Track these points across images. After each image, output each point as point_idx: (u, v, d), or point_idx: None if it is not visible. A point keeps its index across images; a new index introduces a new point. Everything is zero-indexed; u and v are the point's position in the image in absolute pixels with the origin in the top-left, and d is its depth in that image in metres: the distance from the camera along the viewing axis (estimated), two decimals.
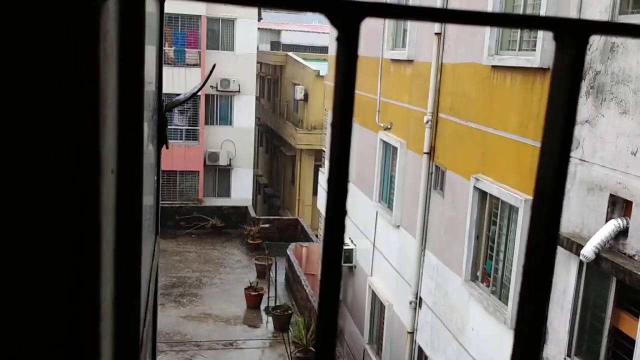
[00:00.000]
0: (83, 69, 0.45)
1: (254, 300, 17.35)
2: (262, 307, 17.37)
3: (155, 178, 1.75)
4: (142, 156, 0.79)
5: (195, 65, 25.05)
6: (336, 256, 0.53)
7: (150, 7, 1.32)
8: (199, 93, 24.82)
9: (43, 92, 0.46)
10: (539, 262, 0.57)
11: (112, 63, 0.55)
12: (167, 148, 1.80)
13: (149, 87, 1.41)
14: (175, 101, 2.31)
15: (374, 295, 13.01)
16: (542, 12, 7.18)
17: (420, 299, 10.72)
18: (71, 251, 0.48)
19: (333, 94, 0.54)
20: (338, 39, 0.53)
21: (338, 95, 0.53)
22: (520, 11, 7.95)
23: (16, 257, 0.47)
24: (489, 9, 8.35)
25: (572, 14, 6.65)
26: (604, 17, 6.23)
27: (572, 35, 0.54)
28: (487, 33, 8.42)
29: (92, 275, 0.52)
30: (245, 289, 17.58)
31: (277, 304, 16.99)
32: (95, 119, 0.47)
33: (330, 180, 0.52)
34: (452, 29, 9.75)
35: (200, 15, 25.01)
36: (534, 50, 7.47)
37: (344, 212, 0.50)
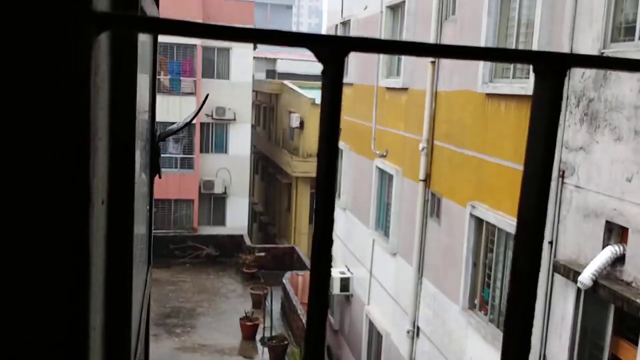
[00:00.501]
0: (74, 102, 0.46)
1: (249, 330, 17.15)
2: (258, 337, 17.16)
3: (148, 207, 1.75)
4: (134, 187, 0.80)
5: (190, 93, 25.20)
6: (324, 286, 0.53)
7: (143, 36, 1.34)
8: (193, 121, 24.93)
9: (33, 124, 0.47)
10: (523, 287, 0.57)
11: (103, 95, 0.56)
12: (159, 177, 1.81)
13: (142, 116, 1.42)
14: (169, 130, 2.33)
15: (371, 324, 12.89)
16: (535, 40, 7.29)
17: (418, 327, 10.63)
18: (59, 281, 0.48)
19: (319, 125, 0.55)
20: (323, 73, 0.54)
21: (323, 126, 0.54)
22: (514, 39, 8.07)
23: (3, 289, 0.47)
24: (482, 36, 8.48)
25: (565, 41, 6.75)
26: (596, 45, 6.32)
27: (551, 68, 0.55)
28: (481, 61, 8.53)
29: (81, 305, 0.52)
30: (241, 319, 17.39)
31: (273, 334, 16.80)
32: (85, 150, 0.48)
33: (317, 212, 0.52)
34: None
35: (195, 45, 25.27)
36: (528, 78, 7.56)
37: (330, 243, 0.50)
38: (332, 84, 0.54)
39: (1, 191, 0.46)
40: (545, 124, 0.57)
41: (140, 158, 1.41)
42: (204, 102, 2.91)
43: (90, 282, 0.54)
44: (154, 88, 1.81)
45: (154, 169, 1.70)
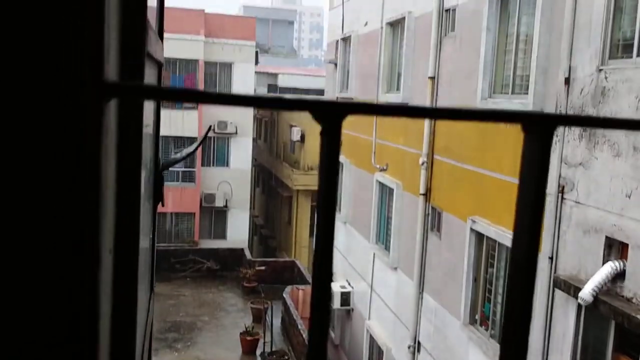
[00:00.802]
0: (86, 164, 0.49)
1: (249, 345, 17.08)
2: (258, 352, 17.09)
3: (151, 236, 1.78)
4: (139, 235, 0.83)
5: (192, 108, 25.30)
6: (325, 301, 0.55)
7: (149, 74, 1.38)
8: (196, 136, 25.00)
9: (49, 183, 0.49)
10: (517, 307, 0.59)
11: (111, 152, 0.58)
12: (162, 206, 1.83)
13: (148, 145, 1.45)
14: (172, 159, 2.36)
15: (371, 339, 12.84)
16: (534, 56, 7.34)
17: (419, 343, 10.59)
18: (67, 338, 0.50)
19: (318, 182, 0.57)
20: (321, 133, 0.57)
21: (322, 183, 0.57)
22: (512, 55, 8.12)
23: (17, 344, 0.49)
24: (482, 52, 8.54)
25: (563, 58, 6.80)
26: (594, 61, 6.37)
27: (538, 128, 0.58)
28: (481, 76, 8.59)
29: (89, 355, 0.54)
30: (241, 333, 17.33)
31: (274, 349, 16.73)
32: (96, 207, 0.50)
33: (314, 269, 0.55)
34: (445, 73, 9.93)
35: (197, 60, 25.41)
36: (527, 93, 7.60)
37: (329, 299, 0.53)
38: (330, 144, 0.56)
39: (15, 242, 0.49)
40: (535, 182, 0.59)
41: (144, 188, 1.44)
42: (207, 132, 2.94)
43: (98, 333, 0.56)
44: (159, 114, 1.84)
45: (157, 197, 1.73)
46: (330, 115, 0.55)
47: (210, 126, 3.50)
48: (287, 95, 0.53)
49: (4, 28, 0.46)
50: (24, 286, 0.50)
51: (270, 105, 0.53)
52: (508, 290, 0.61)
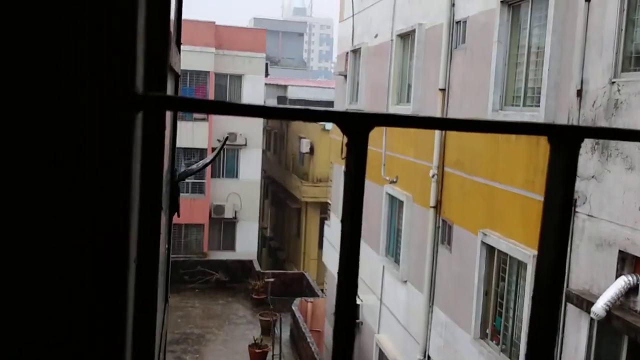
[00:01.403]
0: (117, 175, 0.49)
1: (258, 357, 17.01)
2: None
3: (167, 246, 1.78)
4: (159, 245, 0.83)
5: (203, 119, 25.43)
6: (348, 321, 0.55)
7: (169, 86, 1.39)
8: (205, 146, 25.10)
9: (82, 198, 0.50)
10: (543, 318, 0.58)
11: (137, 162, 0.59)
12: (178, 216, 1.84)
13: (164, 158, 1.46)
14: (189, 171, 2.37)
15: (381, 353, 12.75)
16: (545, 69, 7.32)
17: (429, 357, 10.50)
18: (96, 348, 0.50)
19: (343, 193, 0.57)
20: (347, 145, 0.57)
21: (348, 195, 0.57)
22: (524, 67, 8.11)
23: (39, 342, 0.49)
24: (493, 65, 8.53)
25: (575, 71, 6.78)
26: (607, 74, 6.34)
27: (565, 140, 0.58)
28: (492, 88, 8.58)
29: None
30: (249, 346, 17.27)
31: None
32: (126, 215, 0.51)
33: (338, 287, 0.54)
34: (456, 85, 9.93)
35: (208, 72, 25.57)
36: (538, 106, 7.58)
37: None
38: (357, 156, 0.56)
39: (52, 256, 0.49)
40: (561, 193, 0.59)
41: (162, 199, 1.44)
42: (223, 143, 2.96)
43: (125, 343, 0.56)
44: (175, 125, 1.86)
45: (174, 208, 1.73)
46: (357, 126, 0.55)
47: (227, 137, 3.53)
48: (314, 108, 0.54)
49: (39, 40, 0.47)
50: (59, 294, 0.50)
51: (298, 117, 0.53)
52: (532, 313, 0.60)
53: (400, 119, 0.55)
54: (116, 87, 0.48)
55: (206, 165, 2.72)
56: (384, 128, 12.89)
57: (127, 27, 0.49)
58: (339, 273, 0.54)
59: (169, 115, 1.63)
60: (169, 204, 1.70)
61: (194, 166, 2.57)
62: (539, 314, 0.62)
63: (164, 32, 0.81)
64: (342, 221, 0.58)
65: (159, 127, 0.75)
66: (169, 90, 1.40)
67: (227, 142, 26.10)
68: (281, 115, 0.53)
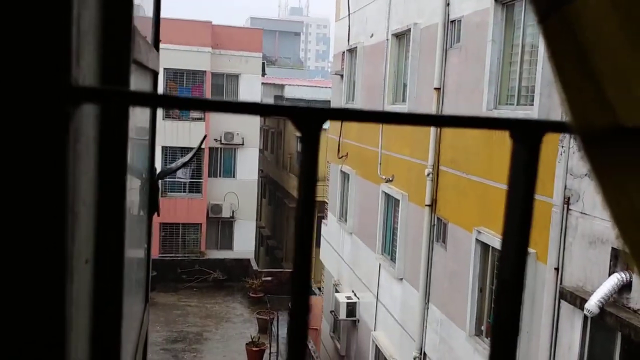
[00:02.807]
0: (50, 173, 0.48)
1: (255, 356, 17.01)
2: None
3: (146, 246, 1.76)
4: (123, 245, 0.81)
5: (199, 119, 25.40)
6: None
7: (141, 83, 1.37)
8: (202, 146, 25.07)
9: (8, 195, 0.48)
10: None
11: (87, 160, 0.57)
12: (158, 215, 1.82)
13: (142, 153, 1.45)
14: (168, 169, 2.36)
15: (377, 350, 12.76)
16: (539, 67, 7.32)
17: (425, 354, 10.51)
18: (35, 346, 0.49)
19: (298, 185, 0.56)
20: (301, 140, 0.56)
21: (301, 187, 0.56)
22: (517, 66, 8.10)
23: None
24: (487, 63, 8.52)
25: None
26: None
27: (527, 134, 0.57)
28: (486, 87, 8.57)
29: None
30: (247, 344, 17.27)
31: (279, 359, 16.66)
32: (62, 217, 0.49)
33: (293, 279, 0.53)
34: (451, 84, 9.93)
35: (205, 71, 25.53)
36: (532, 105, 7.58)
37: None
38: (309, 150, 0.55)
39: None
40: (523, 189, 0.58)
41: (138, 197, 1.43)
42: (201, 142, 2.95)
43: (68, 342, 0.54)
44: (154, 121, 1.84)
45: (153, 207, 1.72)
46: (309, 121, 0.54)
47: (205, 136, 3.52)
48: (265, 101, 0.52)
49: None
50: None
51: (248, 111, 0.52)
52: (496, 300, 0.59)
53: (352, 113, 0.54)
54: (48, 79, 0.46)
55: (185, 163, 2.72)
56: (380, 127, 12.88)
57: (62, 16, 0.47)
58: (293, 263, 0.53)
59: (146, 113, 1.62)
60: (149, 203, 1.68)
61: (173, 165, 2.55)
62: (502, 311, 0.61)
63: (125, 26, 0.79)
64: (295, 214, 0.57)
65: (119, 123, 0.73)
66: (144, 88, 1.38)
67: (224, 142, 26.08)
68: (231, 109, 0.51)
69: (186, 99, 0.48)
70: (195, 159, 24.65)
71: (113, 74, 0.73)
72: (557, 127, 0.58)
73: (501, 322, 0.60)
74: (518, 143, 0.57)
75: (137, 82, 1.19)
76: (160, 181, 2.00)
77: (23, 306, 0.48)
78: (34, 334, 0.48)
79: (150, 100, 0.45)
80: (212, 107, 0.48)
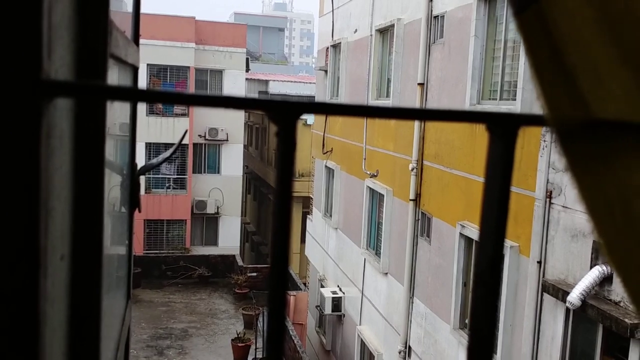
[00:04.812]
0: (20, 165, 0.47)
1: (241, 351, 17.00)
2: (250, 358, 17.01)
3: (127, 242, 1.75)
4: (101, 241, 0.81)
5: (183, 115, 25.25)
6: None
7: (120, 77, 1.36)
8: (187, 142, 24.94)
9: None
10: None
11: (61, 155, 0.56)
12: (139, 212, 1.81)
13: (122, 149, 1.44)
14: (149, 165, 2.34)
15: (363, 345, 12.81)
16: (521, 62, 7.37)
17: (410, 347, 10.58)
18: (6, 340, 0.48)
19: (275, 177, 0.56)
20: (277, 134, 0.56)
21: (278, 182, 0.55)
22: (500, 61, 8.15)
23: None
24: (470, 58, 8.57)
25: None
26: None
27: (503, 127, 0.57)
28: (469, 82, 8.62)
29: None
30: (232, 340, 17.25)
31: (265, 355, 16.64)
32: (35, 212, 0.48)
33: (271, 270, 0.53)
34: (435, 79, 9.97)
35: (189, 67, 25.38)
36: (515, 100, 7.64)
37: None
38: (285, 144, 0.55)
39: None
40: (499, 182, 0.58)
41: (119, 193, 1.42)
42: (182, 137, 2.93)
43: (42, 337, 0.53)
44: (135, 117, 1.82)
45: (134, 203, 1.71)
46: (284, 115, 0.54)
47: (186, 131, 3.50)
48: (239, 95, 0.52)
49: None
50: None
51: (224, 104, 0.52)
52: (473, 290, 0.60)
53: (326, 106, 0.54)
54: (15, 73, 0.46)
55: (166, 159, 2.70)
56: (364, 123, 12.90)
57: (32, 9, 0.47)
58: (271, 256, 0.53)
59: (126, 109, 1.61)
60: (130, 199, 1.67)
61: (154, 160, 2.54)
62: (479, 304, 0.61)
63: (102, 20, 0.78)
64: (273, 210, 0.56)
65: (95, 118, 0.72)
66: (124, 83, 1.37)
67: (209, 137, 25.95)
68: (204, 103, 0.51)
69: (160, 92, 0.48)
70: (177, 153, 24.51)
71: (89, 69, 0.72)
72: (532, 120, 0.59)
73: (478, 313, 0.61)
74: (494, 135, 0.57)
75: (116, 77, 1.18)
76: (143, 177, 1.99)
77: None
78: (4, 328, 0.47)
79: (124, 93, 0.45)
80: (188, 101, 0.48)
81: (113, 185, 1.16)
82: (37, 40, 0.46)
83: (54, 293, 0.58)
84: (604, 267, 5.87)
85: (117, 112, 1.20)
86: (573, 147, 0.55)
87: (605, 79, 0.51)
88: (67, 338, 0.68)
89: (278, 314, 0.50)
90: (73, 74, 0.65)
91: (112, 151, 0.93)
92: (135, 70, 1.64)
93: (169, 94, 0.47)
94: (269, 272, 0.52)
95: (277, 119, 0.54)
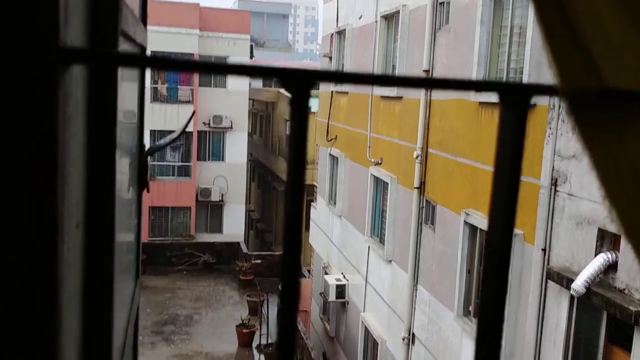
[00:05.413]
0: (40, 135, 0.48)
1: (245, 337, 17.12)
2: (254, 344, 17.13)
3: (136, 221, 1.76)
4: (114, 208, 0.81)
5: (187, 102, 25.24)
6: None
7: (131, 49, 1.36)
8: (191, 129, 24.95)
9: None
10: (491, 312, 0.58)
11: (76, 123, 0.57)
12: (147, 192, 1.82)
13: (129, 131, 1.44)
14: (157, 145, 2.35)
15: (366, 331, 12.88)
16: (527, 48, 7.33)
17: (413, 334, 10.62)
18: (25, 315, 0.49)
19: (288, 149, 0.57)
20: (291, 102, 0.56)
21: (291, 152, 0.56)
22: (506, 47, 8.11)
23: None
24: (476, 45, 8.52)
25: None
26: None
27: (515, 97, 0.57)
28: (475, 68, 8.58)
29: (49, 341, 0.51)
30: (237, 326, 17.37)
31: (270, 341, 16.77)
32: (52, 178, 0.49)
33: (285, 237, 0.54)
34: (440, 65, 9.92)
35: (193, 54, 25.32)
36: None
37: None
38: (299, 112, 0.56)
39: None
40: (511, 150, 0.59)
41: (128, 173, 1.42)
42: (190, 118, 2.94)
43: (60, 314, 0.54)
44: (143, 100, 1.83)
45: (142, 183, 1.72)
46: (299, 82, 0.54)
47: (194, 111, 3.50)
48: (254, 85, 0.52)
49: None
50: None
51: (234, 72, 0.52)
52: (484, 272, 0.60)
53: (340, 75, 0.54)
54: (34, 39, 0.46)
55: (174, 140, 2.71)
56: (369, 111, 12.87)
57: None
58: (283, 237, 0.53)
59: (135, 90, 1.61)
60: (138, 179, 1.68)
61: (162, 141, 2.54)
62: (491, 273, 0.62)
63: None
64: (286, 183, 0.57)
65: (107, 88, 0.73)
66: None
67: (213, 125, 25.95)
68: (216, 71, 0.51)
69: (174, 60, 0.48)
70: (182, 139, 24.53)
71: (101, 42, 0.73)
72: (544, 90, 0.59)
73: (489, 292, 0.61)
74: (506, 106, 0.57)
75: (127, 47, 1.18)
76: (149, 163, 1.99)
77: (15, 264, 0.48)
78: (25, 293, 0.48)
79: (138, 61, 0.45)
80: (200, 68, 0.48)
81: (122, 164, 1.17)
82: (55, 8, 0.47)
83: (69, 259, 0.59)
84: (609, 255, 5.87)
85: (125, 96, 1.21)
86: (584, 117, 0.55)
87: (617, 48, 0.51)
88: (81, 303, 0.69)
89: (290, 300, 0.50)
90: (86, 46, 0.65)
91: (120, 131, 0.95)
92: (143, 50, 1.64)
93: (185, 62, 0.47)
94: (283, 234, 0.53)
95: (292, 87, 0.54)
